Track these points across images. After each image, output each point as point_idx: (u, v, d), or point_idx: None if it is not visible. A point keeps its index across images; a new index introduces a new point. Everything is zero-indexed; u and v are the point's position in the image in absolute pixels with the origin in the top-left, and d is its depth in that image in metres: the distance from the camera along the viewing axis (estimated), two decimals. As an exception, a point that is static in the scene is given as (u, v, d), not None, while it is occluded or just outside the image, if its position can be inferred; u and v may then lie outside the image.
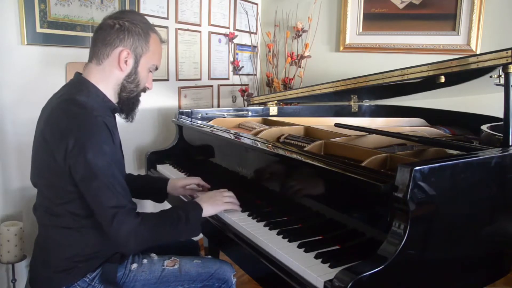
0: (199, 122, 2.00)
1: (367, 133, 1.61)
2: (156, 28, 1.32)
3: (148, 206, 2.38)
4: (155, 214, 1.23)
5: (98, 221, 1.13)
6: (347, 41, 2.86)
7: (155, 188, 1.60)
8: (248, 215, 1.37)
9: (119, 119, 1.34)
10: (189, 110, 2.10)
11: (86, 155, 1.08)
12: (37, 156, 1.22)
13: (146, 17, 1.33)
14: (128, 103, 1.30)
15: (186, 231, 1.25)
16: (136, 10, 2.19)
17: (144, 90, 1.33)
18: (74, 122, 1.11)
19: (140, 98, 1.35)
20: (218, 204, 1.35)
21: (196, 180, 1.60)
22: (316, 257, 1.07)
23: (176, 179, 1.63)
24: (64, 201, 1.17)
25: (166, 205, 1.63)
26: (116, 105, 1.29)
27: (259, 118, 2.22)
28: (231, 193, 1.42)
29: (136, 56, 1.24)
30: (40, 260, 1.25)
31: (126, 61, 1.23)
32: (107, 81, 1.24)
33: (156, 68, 1.33)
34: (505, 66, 1.25)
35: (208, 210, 1.32)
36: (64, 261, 1.20)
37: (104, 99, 1.24)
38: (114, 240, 1.12)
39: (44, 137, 1.15)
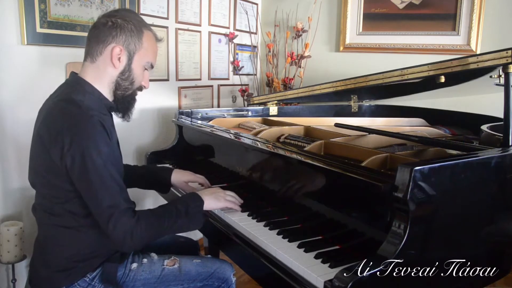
0: (199, 122, 2.00)
1: (367, 133, 1.61)
2: (156, 28, 1.33)
3: (148, 202, 2.39)
4: (152, 211, 1.22)
5: (96, 219, 1.13)
6: (347, 41, 2.85)
7: (158, 178, 1.58)
8: (248, 215, 1.37)
9: (117, 119, 1.34)
10: (189, 110, 2.10)
11: (82, 155, 1.08)
12: (34, 156, 1.22)
13: (146, 17, 1.33)
14: (123, 101, 1.30)
15: (187, 224, 1.25)
16: (136, 10, 2.17)
17: (140, 88, 1.34)
18: (70, 121, 1.12)
19: (137, 97, 1.35)
20: (220, 200, 1.35)
21: (201, 180, 1.60)
22: (316, 257, 1.07)
23: (181, 172, 1.60)
24: (63, 200, 1.17)
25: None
26: (113, 103, 1.29)
27: (259, 118, 2.22)
28: (233, 193, 1.42)
29: (129, 52, 1.24)
30: (40, 260, 1.25)
31: (119, 58, 1.23)
32: (101, 79, 1.25)
33: (152, 66, 1.33)
34: (505, 66, 1.25)
35: (210, 203, 1.32)
36: (64, 260, 1.20)
37: (100, 97, 1.25)
38: (112, 240, 1.13)
39: (41, 136, 1.15)
